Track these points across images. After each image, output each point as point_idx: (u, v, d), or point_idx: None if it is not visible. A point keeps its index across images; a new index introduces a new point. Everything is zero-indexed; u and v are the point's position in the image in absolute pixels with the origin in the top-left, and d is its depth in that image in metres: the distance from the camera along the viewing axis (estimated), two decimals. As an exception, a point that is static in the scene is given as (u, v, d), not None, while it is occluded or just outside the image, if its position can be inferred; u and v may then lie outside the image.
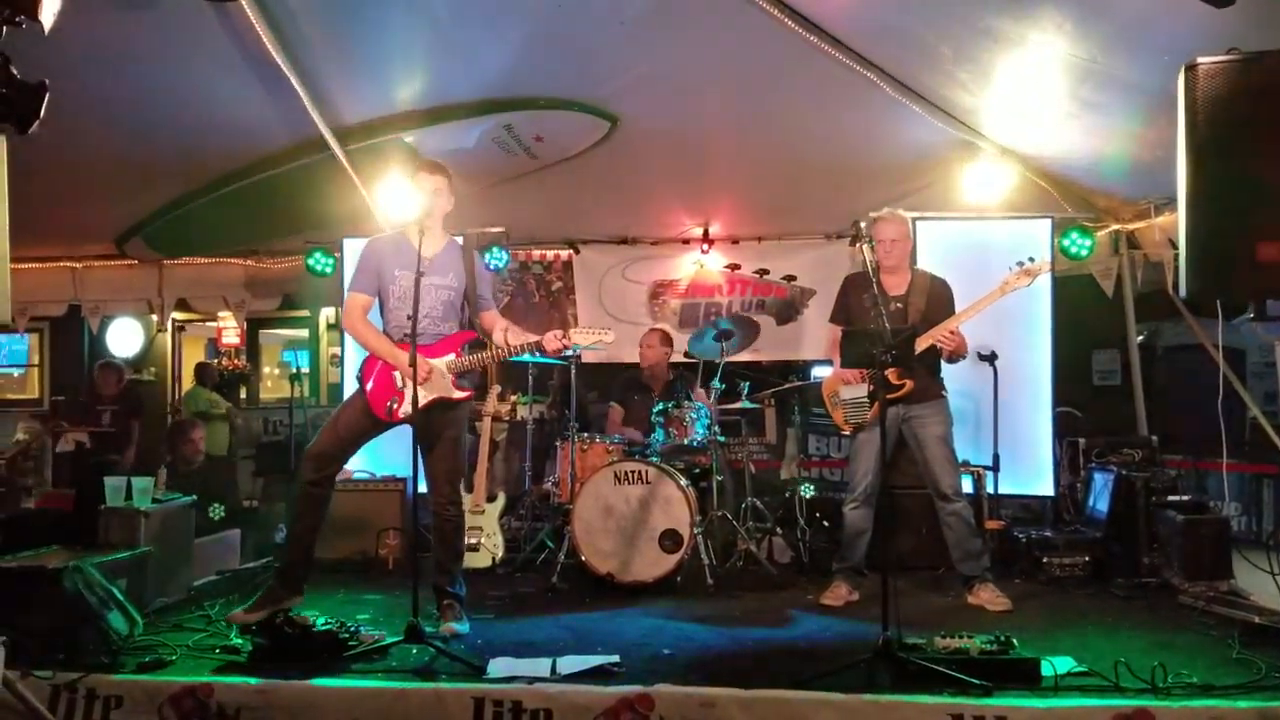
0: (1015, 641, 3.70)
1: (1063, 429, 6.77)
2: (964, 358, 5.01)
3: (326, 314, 10.48)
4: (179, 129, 5.99)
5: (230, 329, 10.71)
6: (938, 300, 5.02)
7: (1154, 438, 6.56)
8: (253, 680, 3.62)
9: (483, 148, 6.22)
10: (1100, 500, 6.20)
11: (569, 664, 3.78)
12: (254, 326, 10.92)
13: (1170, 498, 5.69)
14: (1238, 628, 4.26)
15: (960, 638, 3.71)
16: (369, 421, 4.50)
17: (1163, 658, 3.62)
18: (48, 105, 3.53)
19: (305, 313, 10.42)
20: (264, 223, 7.30)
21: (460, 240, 4.67)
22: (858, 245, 4.54)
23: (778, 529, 6.38)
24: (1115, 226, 7.03)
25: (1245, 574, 5.31)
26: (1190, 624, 4.54)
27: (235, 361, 10.97)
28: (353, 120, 6.10)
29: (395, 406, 4.45)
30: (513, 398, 7.68)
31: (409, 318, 4.19)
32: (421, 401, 4.24)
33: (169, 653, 3.97)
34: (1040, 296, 6.46)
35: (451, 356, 4.45)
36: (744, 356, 7.14)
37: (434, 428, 4.49)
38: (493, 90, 5.87)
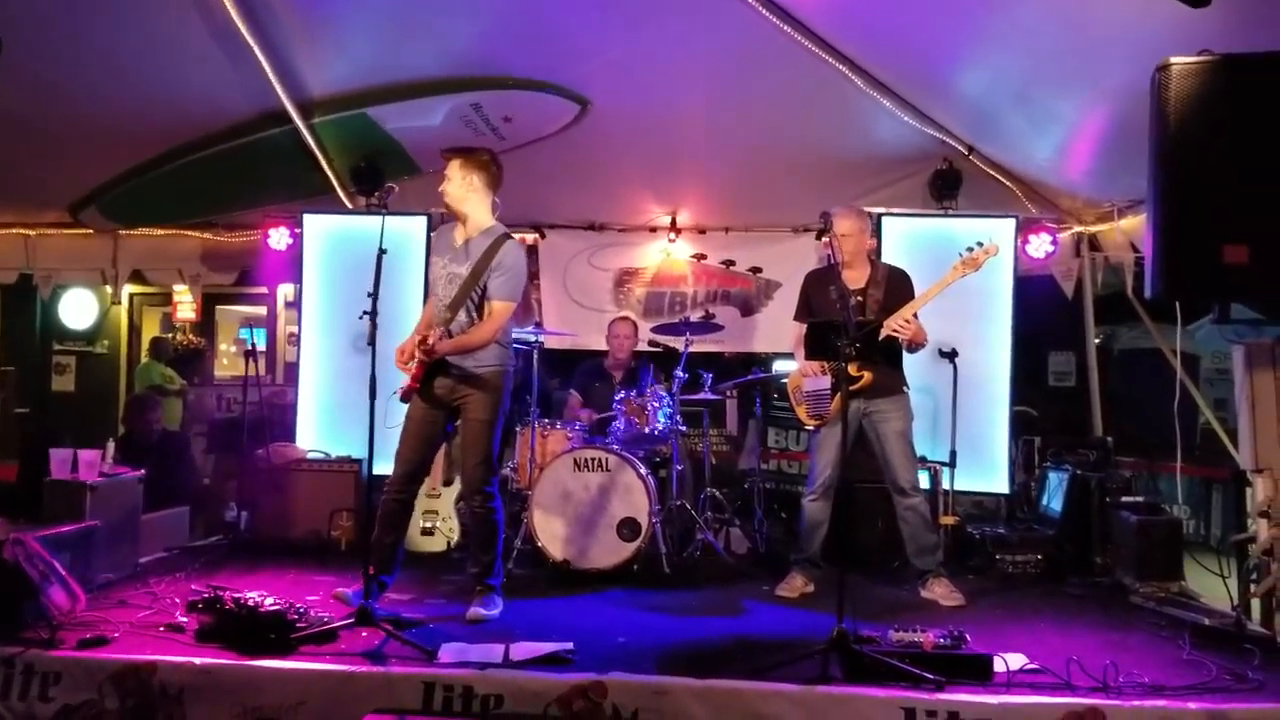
0: (968, 637, 3.70)
1: (1019, 428, 6.82)
2: (923, 346, 5.00)
3: (285, 291, 10.30)
4: (137, 96, 5.86)
5: (186, 304, 10.53)
6: (897, 291, 5.01)
7: (1109, 439, 6.63)
8: (197, 660, 3.55)
9: (450, 126, 6.13)
10: (1054, 499, 6.26)
11: (522, 650, 3.73)
12: (210, 302, 10.73)
13: (1124, 498, 5.75)
14: (1188, 629, 4.29)
15: (914, 632, 3.71)
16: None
17: (1114, 657, 3.64)
18: (2, 67, 3.43)
19: (263, 289, 10.24)
20: (223, 195, 7.15)
21: (500, 230, 4.54)
22: (824, 239, 4.54)
23: (736, 520, 6.39)
24: (1078, 228, 7.07)
25: (1195, 576, 5.39)
26: (1141, 624, 4.58)
27: (191, 337, 10.80)
28: (317, 93, 6.00)
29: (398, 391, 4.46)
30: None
31: (444, 307, 4.36)
32: (400, 390, 4.38)
33: (111, 630, 3.87)
34: (1001, 296, 6.52)
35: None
36: (707, 347, 7.12)
37: (457, 414, 4.46)
38: (462, 68, 5.79)
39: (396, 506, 4.47)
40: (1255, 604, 4.77)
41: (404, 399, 4.41)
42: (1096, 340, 7.57)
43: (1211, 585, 5.17)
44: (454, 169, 4.42)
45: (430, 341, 4.10)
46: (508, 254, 4.40)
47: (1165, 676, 3.57)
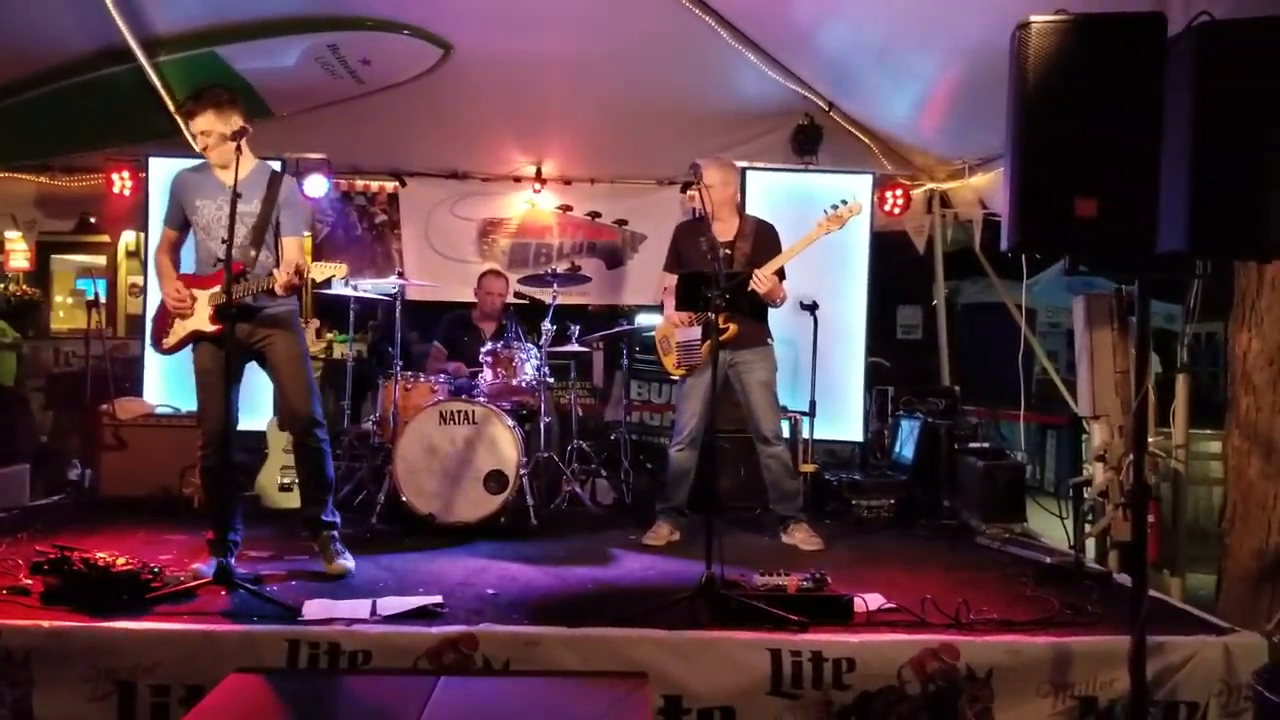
0: (829, 579, 3.83)
1: (873, 378, 7.06)
2: (776, 303, 5.10)
3: (127, 239, 9.75)
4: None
5: (19, 252, 9.85)
6: (763, 244, 5.09)
7: (956, 388, 6.93)
8: (45, 623, 3.37)
9: (304, 67, 5.90)
10: (906, 446, 6.53)
11: (389, 605, 3.69)
12: (45, 250, 10.07)
13: (971, 444, 6.03)
14: (1031, 567, 4.55)
15: (778, 575, 3.81)
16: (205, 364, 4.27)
17: (965, 595, 3.81)
18: None
19: (104, 237, 9.67)
20: (61, 136, 6.68)
21: (276, 166, 4.42)
22: (689, 193, 4.56)
23: (602, 471, 6.43)
24: (930, 185, 7.30)
25: (1035, 517, 5.71)
26: (988, 563, 4.83)
27: (24, 288, 10.13)
28: (162, 30, 5.66)
29: (164, 339, 4.29)
30: (329, 335, 7.40)
31: (223, 241, 3.99)
32: (178, 337, 4.24)
33: (-54, 596, 3.65)
34: (859, 250, 6.71)
35: (217, 289, 4.12)
36: (574, 299, 7.10)
37: (264, 354, 4.30)
38: (317, 6, 5.58)
39: (220, 468, 4.25)
40: (1090, 543, 5.10)
41: (171, 350, 4.29)
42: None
43: (1050, 526, 5.50)
44: (210, 120, 4.20)
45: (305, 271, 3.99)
46: (290, 189, 4.36)
47: (1012, 612, 3.77)
